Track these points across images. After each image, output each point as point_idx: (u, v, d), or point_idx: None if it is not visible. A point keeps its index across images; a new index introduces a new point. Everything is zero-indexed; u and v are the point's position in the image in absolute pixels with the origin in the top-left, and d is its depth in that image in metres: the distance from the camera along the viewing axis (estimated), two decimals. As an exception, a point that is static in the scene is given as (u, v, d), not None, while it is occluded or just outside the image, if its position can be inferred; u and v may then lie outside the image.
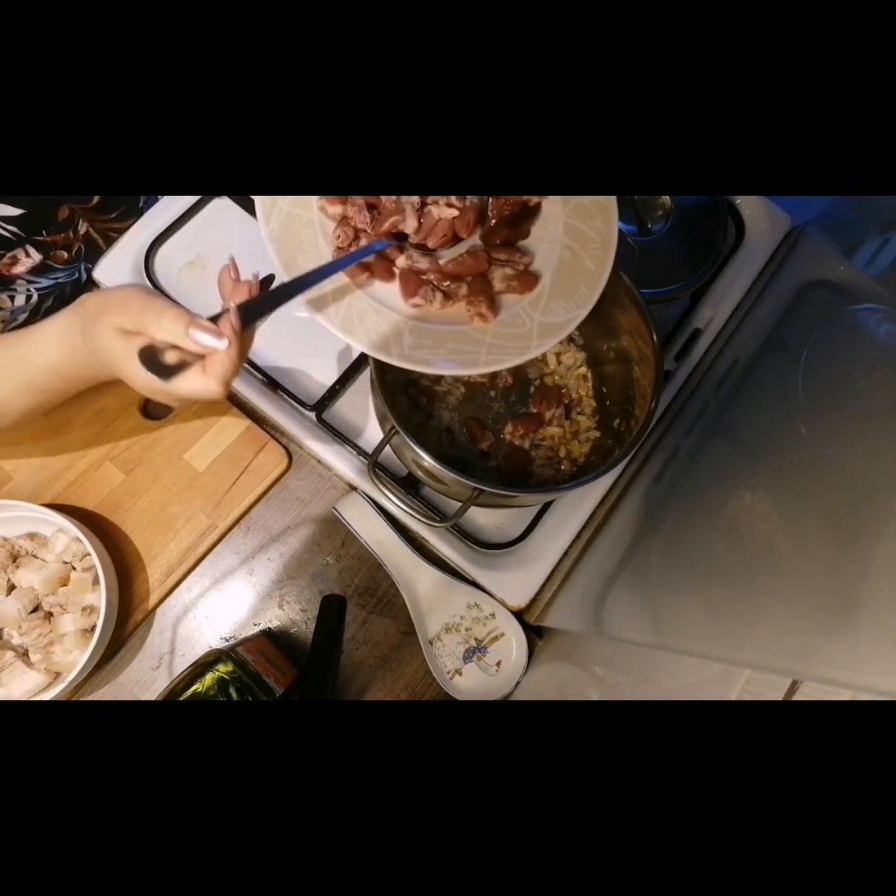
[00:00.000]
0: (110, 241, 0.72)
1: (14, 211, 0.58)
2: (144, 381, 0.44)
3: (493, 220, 0.51)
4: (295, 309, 0.72)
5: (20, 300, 0.66)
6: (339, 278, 0.49)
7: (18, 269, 0.62)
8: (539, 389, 0.69)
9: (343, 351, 0.72)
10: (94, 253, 0.71)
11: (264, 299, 0.45)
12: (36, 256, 0.63)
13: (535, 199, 0.52)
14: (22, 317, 0.68)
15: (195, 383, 0.43)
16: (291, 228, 0.49)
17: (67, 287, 0.69)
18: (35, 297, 0.67)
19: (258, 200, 0.49)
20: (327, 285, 0.48)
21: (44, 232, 0.62)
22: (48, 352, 0.50)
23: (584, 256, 0.52)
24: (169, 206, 0.73)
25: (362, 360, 0.70)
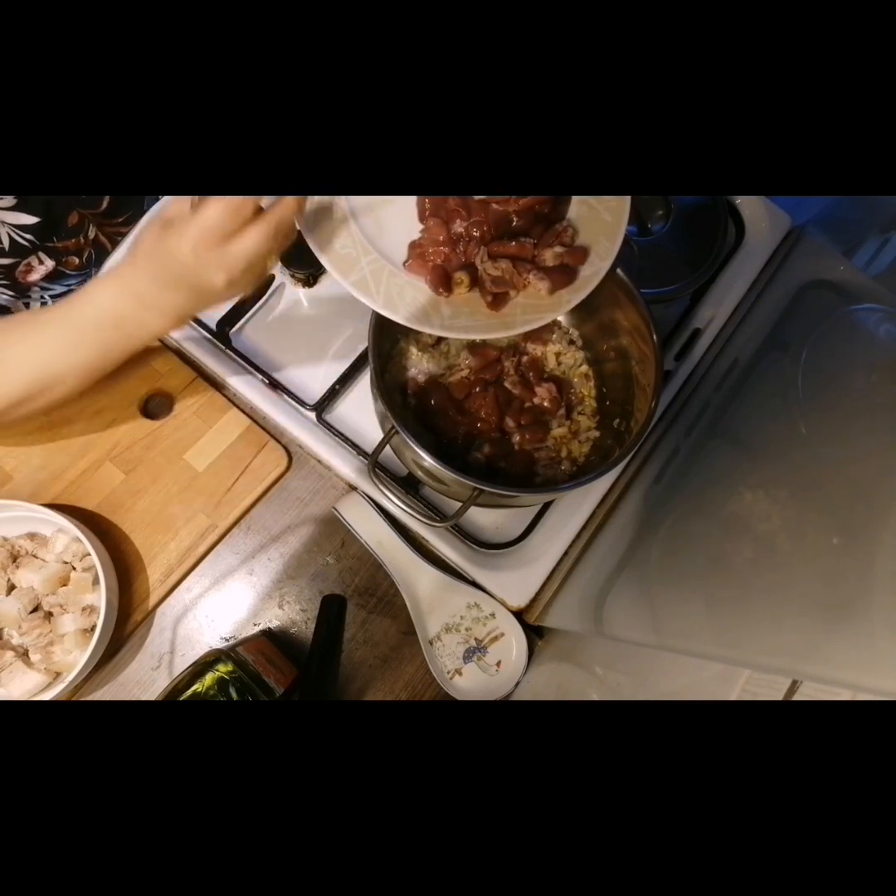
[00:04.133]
0: (118, 246, 0.72)
1: (31, 219, 0.58)
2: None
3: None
4: (295, 309, 0.73)
5: (35, 308, 0.66)
6: (377, 260, 0.52)
7: (33, 276, 0.63)
8: (546, 380, 0.68)
9: (343, 351, 0.72)
10: (103, 257, 0.71)
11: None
12: (49, 263, 0.63)
13: None
14: None
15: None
16: (322, 212, 0.51)
17: None
18: (49, 304, 0.67)
19: None
20: (366, 269, 0.51)
21: (55, 238, 0.62)
22: (104, 301, 0.49)
23: (600, 210, 0.54)
24: (169, 206, 0.73)
25: (362, 360, 0.70)
